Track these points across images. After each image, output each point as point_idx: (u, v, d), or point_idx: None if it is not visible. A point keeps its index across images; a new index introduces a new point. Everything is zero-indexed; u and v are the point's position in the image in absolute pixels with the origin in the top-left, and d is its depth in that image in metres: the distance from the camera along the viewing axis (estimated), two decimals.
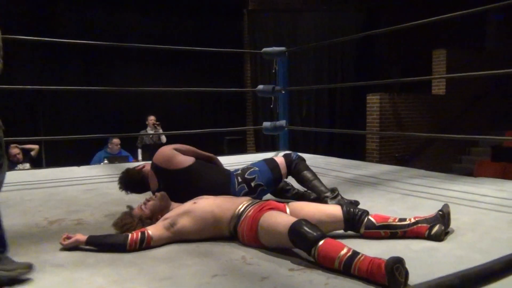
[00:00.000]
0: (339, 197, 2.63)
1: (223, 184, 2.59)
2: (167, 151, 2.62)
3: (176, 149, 2.63)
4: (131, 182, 2.75)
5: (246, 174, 2.62)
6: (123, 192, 2.77)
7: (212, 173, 2.65)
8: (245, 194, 2.53)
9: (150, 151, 7.07)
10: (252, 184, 2.59)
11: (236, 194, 2.52)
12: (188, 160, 2.61)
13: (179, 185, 2.52)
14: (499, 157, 7.68)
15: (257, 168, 2.66)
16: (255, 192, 2.58)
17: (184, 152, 2.65)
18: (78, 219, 2.59)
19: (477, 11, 3.11)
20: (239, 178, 2.61)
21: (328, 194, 2.64)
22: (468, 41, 9.58)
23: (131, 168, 2.82)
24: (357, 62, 8.48)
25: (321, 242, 1.70)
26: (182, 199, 2.34)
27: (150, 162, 2.73)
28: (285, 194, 2.87)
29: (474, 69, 4.14)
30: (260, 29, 9.16)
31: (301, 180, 2.75)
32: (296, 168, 2.76)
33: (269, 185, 2.67)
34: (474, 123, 8.66)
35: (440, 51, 8.58)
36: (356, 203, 2.65)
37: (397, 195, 3.02)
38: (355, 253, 1.64)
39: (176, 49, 5.34)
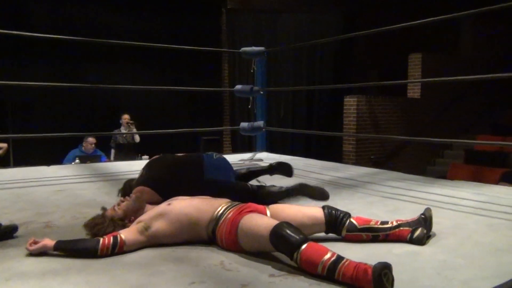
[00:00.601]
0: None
1: (194, 162, 2.70)
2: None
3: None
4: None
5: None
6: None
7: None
8: (220, 160, 2.73)
9: (124, 150, 6.91)
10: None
11: (212, 161, 2.67)
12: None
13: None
14: (472, 160, 7.83)
15: None
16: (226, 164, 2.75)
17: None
18: (47, 222, 2.46)
19: (452, 17, 3.13)
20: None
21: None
22: (443, 46, 9.74)
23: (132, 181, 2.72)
24: (335, 64, 8.51)
25: (304, 246, 1.63)
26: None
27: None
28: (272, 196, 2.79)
29: (449, 74, 4.20)
30: (239, 29, 9.10)
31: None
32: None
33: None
34: (448, 126, 8.81)
35: (416, 55, 8.69)
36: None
37: (377, 197, 2.99)
38: (339, 258, 1.58)
39: (152, 46, 5.22)
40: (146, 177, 2.64)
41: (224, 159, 2.83)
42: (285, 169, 3.14)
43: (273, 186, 2.87)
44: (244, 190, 2.76)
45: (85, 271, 1.74)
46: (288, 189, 2.76)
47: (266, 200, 2.70)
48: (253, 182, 2.95)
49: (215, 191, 2.33)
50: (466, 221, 2.39)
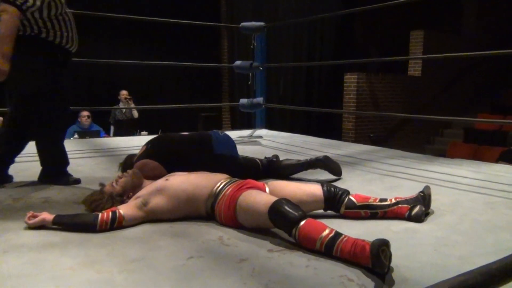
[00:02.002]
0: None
1: (202, 138, 2.73)
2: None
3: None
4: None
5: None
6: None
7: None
8: (225, 137, 2.74)
9: (123, 127, 6.89)
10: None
11: (219, 137, 2.70)
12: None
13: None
14: (471, 138, 7.83)
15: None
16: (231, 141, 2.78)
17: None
18: (45, 197, 2.46)
19: None
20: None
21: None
22: (446, 24, 9.63)
23: (133, 157, 2.71)
24: (336, 41, 8.39)
25: (302, 222, 1.63)
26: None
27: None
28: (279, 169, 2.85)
29: (451, 52, 4.13)
30: (238, 4, 8.96)
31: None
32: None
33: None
34: (448, 105, 8.78)
35: (418, 32, 8.59)
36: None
37: (376, 175, 2.99)
38: (338, 234, 1.58)
39: (151, 20, 5.14)
40: (152, 151, 2.63)
41: (229, 136, 2.84)
42: (332, 167, 2.88)
43: (289, 159, 2.90)
44: (253, 165, 2.79)
45: (84, 245, 1.75)
46: (311, 161, 2.81)
47: (282, 173, 2.74)
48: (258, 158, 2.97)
49: (223, 167, 2.33)
50: (464, 199, 2.40)
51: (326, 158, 2.85)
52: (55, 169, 2.79)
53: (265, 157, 2.94)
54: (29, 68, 2.50)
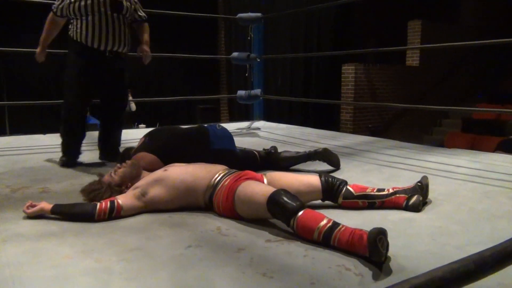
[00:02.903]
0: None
1: (200, 132, 2.73)
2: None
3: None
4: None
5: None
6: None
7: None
8: (223, 130, 2.74)
9: None
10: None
11: (216, 132, 2.70)
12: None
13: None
14: (469, 128, 7.85)
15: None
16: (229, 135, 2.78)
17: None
18: (43, 188, 2.47)
19: None
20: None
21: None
22: (444, 14, 9.59)
23: (131, 149, 2.73)
24: (333, 32, 8.35)
25: (300, 213, 1.64)
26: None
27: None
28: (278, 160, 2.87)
29: (449, 41, 4.13)
30: None
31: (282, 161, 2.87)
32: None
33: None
34: (446, 94, 8.77)
35: (415, 22, 8.56)
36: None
37: (373, 166, 3.00)
38: (335, 224, 1.59)
39: (148, 12, 5.10)
40: (150, 144, 2.63)
41: (227, 129, 2.84)
42: (331, 159, 2.87)
43: (288, 151, 2.90)
44: (250, 157, 2.79)
45: (82, 234, 1.76)
46: (310, 153, 2.83)
47: (281, 165, 2.75)
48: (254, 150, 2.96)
49: (221, 161, 2.33)
50: (462, 189, 2.40)
51: (325, 150, 2.86)
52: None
53: (264, 149, 2.95)
54: (65, 62, 3.12)
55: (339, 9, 8.07)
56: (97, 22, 2.90)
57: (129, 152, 2.68)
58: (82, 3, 2.86)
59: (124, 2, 2.99)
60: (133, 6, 3.10)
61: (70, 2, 2.89)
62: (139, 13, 3.19)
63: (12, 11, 7.18)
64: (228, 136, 2.77)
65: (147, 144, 2.64)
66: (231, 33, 9.27)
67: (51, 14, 3.03)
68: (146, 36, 3.26)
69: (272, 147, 2.97)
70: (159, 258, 1.54)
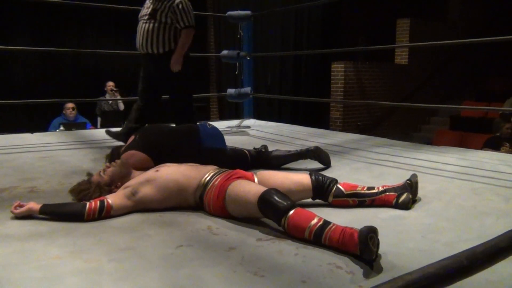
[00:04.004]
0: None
1: (190, 131, 2.73)
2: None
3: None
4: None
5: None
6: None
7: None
8: (213, 129, 2.74)
9: (109, 118, 6.80)
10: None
11: (207, 130, 2.71)
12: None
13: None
14: (457, 126, 7.92)
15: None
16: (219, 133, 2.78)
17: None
18: (31, 187, 2.44)
19: None
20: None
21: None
22: (432, 12, 9.66)
23: (120, 148, 2.70)
24: (322, 30, 8.37)
25: (291, 212, 1.64)
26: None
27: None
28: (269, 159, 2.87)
29: (437, 40, 4.15)
30: None
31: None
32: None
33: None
34: (434, 93, 8.84)
35: (404, 20, 8.61)
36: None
37: (363, 163, 3.01)
38: (326, 223, 1.59)
39: (137, 10, 5.07)
40: (139, 142, 2.61)
41: (217, 128, 2.84)
42: (322, 158, 2.89)
43: (278, 150, 2.91)
44: (241, 156, 2.79)
45: (72, 234, 1.74)
46: (301, 152, 2.84)
47: (272, 164, 2.75)
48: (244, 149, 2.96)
49: (211, 159, 2.33)
50: (450, 186, 2.43)
51: (317, 148, 2.87)
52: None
53: (254, 148, 2.94)
54: None
55: (329, 7, 8.09)
56: (138, 28, 3.42)
57: (119, 151, 2.66)
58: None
59: (159, 11, 3.32)
60: (169, 13, 3.33)
61: None
62: (179, 21, 3.37)
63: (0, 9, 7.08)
64: (218, 135, 2.76)
65: (136, 142, 2.63)
66: (220, 31, 9.24)
67: None
68: (179, 44, 3.39)
69: (262, 146, 2.96)
70: (149, 258, 1.53)
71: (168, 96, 3.61)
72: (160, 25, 3.34)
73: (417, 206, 2.08)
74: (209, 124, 2.82)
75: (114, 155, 2.63)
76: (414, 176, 2.15)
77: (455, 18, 9.50)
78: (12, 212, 1.90)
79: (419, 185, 2.16)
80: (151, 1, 3.40)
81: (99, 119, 7.00)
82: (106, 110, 6.92)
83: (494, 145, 5.36)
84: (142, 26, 3.38)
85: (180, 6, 3.34)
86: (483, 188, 2.38)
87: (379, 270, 1.43)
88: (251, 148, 2.96)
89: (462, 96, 9.07)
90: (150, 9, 3.36)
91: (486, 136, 6.08)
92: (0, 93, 7.01)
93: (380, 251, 1.50)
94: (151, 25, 3.34)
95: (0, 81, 7.34)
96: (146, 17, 3.37)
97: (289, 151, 2.90)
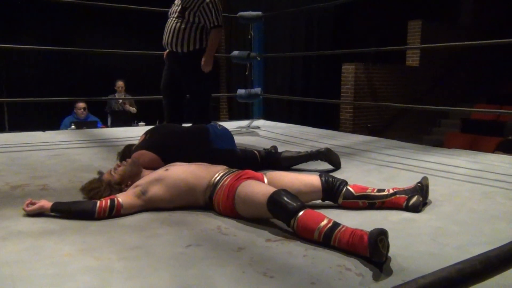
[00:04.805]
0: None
1: (200, 132, 2.73)
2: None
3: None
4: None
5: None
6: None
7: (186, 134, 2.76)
8: (223, 130, 2.73)
9: (120, 117, 6.85)
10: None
11: (217, 131, 2.69)
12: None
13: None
14: (468, 129, 7.84)
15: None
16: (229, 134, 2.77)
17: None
18: (43, 185, 2.46)
19: None
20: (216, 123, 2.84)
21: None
22: (444, 14, 9.59)
23: (131, 147, 2.71)
24: (333, 31, 8.35)
25: (301, 213, 1.63)
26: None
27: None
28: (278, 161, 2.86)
29: (448, 41, 4.12)
30: None
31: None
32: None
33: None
34: (446, 95, 8.77)
35: (415, 22, 8.55)
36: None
37: (373, 165, 3.00)
38: (336, 224, 1.59)
39: (148, 10, 5.10)
40: (150, 142, 2.63)
41: (227, 129, 2.84)
42: (332, 159, 2.88)
43: (288, 151, 2.90)
44: (251, 157, 2.79)
45: (82, 232, 1.76)
46: (312, 153, 2.84)
47: (282, 165, 2.75)
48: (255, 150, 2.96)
49: (221, 160, 2.33)
50: (462, 189, 2.41)
51: (328, 150, 2.86)
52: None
53: (264, 149, 2.94)
54: None
55: (340, 8, 8.06)
56: (166, 25, 3.43)
57: (130, 149, 2.67)
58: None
59: (189, 9, 3.31)
60: (198, 12, 3.32)
61: None
62: (209, 20, 3.36)
63: (12, 8, 7.16)
64: (228, 136, 2.76)
65: (147, 141, 2.64)
66: (231, 31, 9.25)
67: None
68: (209, 45, 3.40)
69: (272, 147, 2.96)
70: (159, 257, 1.54)
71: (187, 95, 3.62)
72: (188, 24, 3.33)
73: (427, 209, 2.07)
74: (220, 125, 2.82)
75: (125, 153, 2.65)
76: (425, 178, 2.14)
77: (468, 20, 9.42)
78: (24, 209, 1.92)
79: (430, 187, 2.14)
80: (180, 1, 3.39)
81: (109, 117, 7.05)
82: (116, 110, 6.96)
83: (506, 148, 5.31)
84: (171, 23, 3.39)
85: (211, 4, 3.33)
86: (495, 191, 2.36)
87: (389, 273, 1.42)
88: (260, 148, 2.96)
89: (473, 98, 8.99)
90: (179, 7, 3.35)
91: (498, 139, 6.02)
92: (13, 92, 7.10)
93: (390, 253, 1.49)
94: (179, 24, 3.34)
95: (13, 80, 7.41)
96: (176, 15, 3.36)
97: (299, 152, 2.90)
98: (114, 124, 6.68)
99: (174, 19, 3.38)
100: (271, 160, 2.84)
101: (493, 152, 4.83)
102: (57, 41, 7.38)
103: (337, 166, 2.85)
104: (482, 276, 0.79)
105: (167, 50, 3.51)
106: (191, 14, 3.32)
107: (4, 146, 3.55)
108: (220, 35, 3.45)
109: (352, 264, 1.48)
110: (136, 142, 2.80)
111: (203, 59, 3.36)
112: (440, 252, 1.60)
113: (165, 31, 3.44)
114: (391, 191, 2.06)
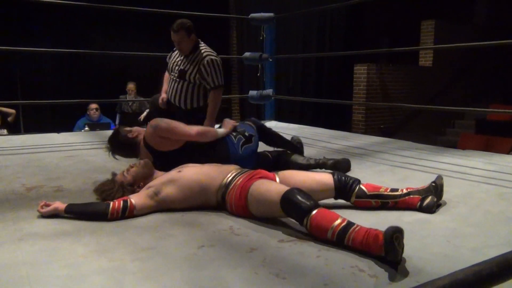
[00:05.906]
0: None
1: (220, 147, 2.64)
2: (157, 131, 2.54)
3: (167, 129, 2.54)
4: (118, 145, 2.67)
5: (236, 128, 2.76)
6: (108, 154, 2.68)
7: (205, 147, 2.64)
8: (243, 144, 2.66)
9: (128, 119, 6.86)
10: (246, 134, 2.72)
11: (235, 146, 2.64)
12: (178, 143, 2.56)
13: (173, 163, 2.39)
14: (483, 129, 7.74)
15: (241, 124, 2.87)
16: (251, 141, 2.71)
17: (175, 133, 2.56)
18: (57, 186, 2.49)
19: None
20: (233, 133, 2.71)
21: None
22: (457, 13, 9.49)
23: (123, 130, 2.70)
24: (345, 32, 8.30)
25: (314, 212, 1.62)
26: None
27: (144, 130, 2.65)
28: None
29: (462, 42, 4.07)
30: None
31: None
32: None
33: (256, 135, 2.78)
34: (460, 95, 8.67)
35: (429, 22, 8.48)
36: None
37: (386, 166, 2.97)
38: (350, 224, 1.57)
39: (159, 12, 5.13)
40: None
41: (253, 148, 2.74)
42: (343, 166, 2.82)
43: (300, 156, 2.86)
44: (263, 158, 2.78)
45: (96, 233, 1.77)
46: (319, 164, 2.78)
47: (291, 168, 2.72)
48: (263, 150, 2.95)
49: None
50: (476, 190, 2.37)
51: (335, 164, 2.77)
52: None
53: (274, 149, 2.94)
54: None
55: (352, 8, 8.02)
56: (169, 82, 3.49)
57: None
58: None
59: (188, 73, 3.32)
60: (197, 75, 3.31)
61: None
62: (208, 81, 3.32)
63: (26, 11, 7.26)
64: (250, 157, 2.68)
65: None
66: (243, 32, 9.26)
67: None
68: (209, 109, 3.34)
69: (295, 140, 2.99)
70: (172, 258, 1.54)
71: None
72: (189, 85, 3.35)
73: (442, 210, 2.04)
74: (244, 135, 2.72)
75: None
76: (439, 178, 2.11)
77: (481, 19, 9.31)
78: (38, 211, 1.94)
79: (444, 189, 2.11)
80: (180, 56, 3.38)
81: (118, 116, 7.09)
82: (126, 111, 7.00)
83: None
84: (172, 83, 3.42)
85: (210, 64, 3.28)
86: (511, 193, 2.32)
87: (404, 274, 1.41)
88: (271, 149, 2.96)
89: (488, 99, 8.87)
90: (179, 67, 3.35)
91: None
92: (28, 94, 7.19)
93: (404, 255, 1.48)
94: (180, 85, 3.37)
95: (27, 83, 7.51)
96: (176, 75, 3.38)
97: (309, 159, 2.83)
98: (122, 123, 6.71)
99: (175, 79, 3.39)
100: (282, 161, 2.81)
101: (508, 153, 4.76)
102: (70, 44, 7.46)
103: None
104: (499, 279, 0.77)
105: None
106: (191, 76, 3.32)
107: (20, 148, 3.59)
108: (220, 95, 3.37)
109: (366, 265, 1.47)
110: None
111: (205, 123, 3.27)
112: (455, 253, 1.58)
113: (168, 88, 3.47)
114: (404, 191, 2.04)
